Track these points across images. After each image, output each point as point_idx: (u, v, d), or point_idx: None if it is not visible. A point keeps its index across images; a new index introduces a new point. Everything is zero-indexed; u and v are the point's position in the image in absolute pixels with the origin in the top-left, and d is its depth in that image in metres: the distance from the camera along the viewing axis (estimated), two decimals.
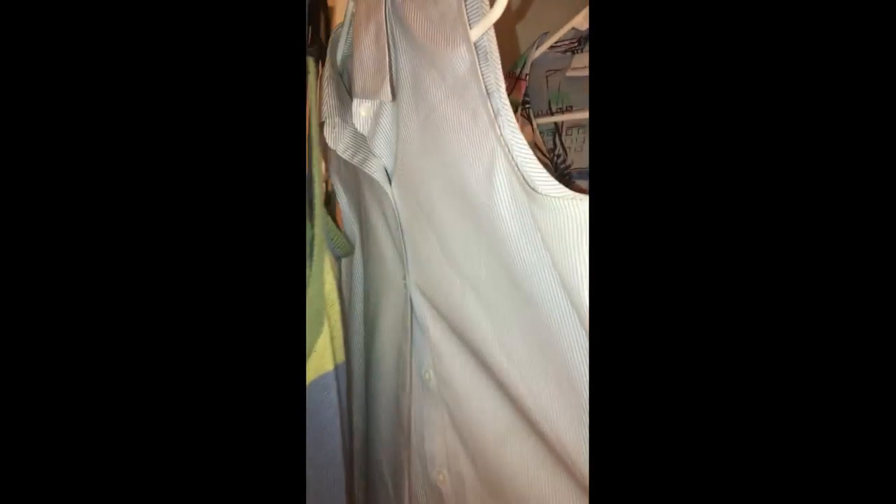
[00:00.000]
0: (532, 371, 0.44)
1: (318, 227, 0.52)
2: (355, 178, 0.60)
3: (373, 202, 0.57)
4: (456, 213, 0.45)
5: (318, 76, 0.55)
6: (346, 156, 0.52)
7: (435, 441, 0.57)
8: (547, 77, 0.87)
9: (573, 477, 0.44)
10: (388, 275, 0.58)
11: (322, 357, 0.50)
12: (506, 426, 0.48)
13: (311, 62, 0.52)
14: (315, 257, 0.51)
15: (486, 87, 0.38)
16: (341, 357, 0.53)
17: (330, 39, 0.57)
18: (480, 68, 0.38)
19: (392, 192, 0.52)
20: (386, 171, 0.52)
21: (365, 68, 0.45)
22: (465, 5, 0.38)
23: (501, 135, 0.38)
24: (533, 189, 0.37)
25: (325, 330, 0.51)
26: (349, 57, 0.56)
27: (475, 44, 0.38)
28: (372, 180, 0.52)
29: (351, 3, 0.52)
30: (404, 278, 0.55)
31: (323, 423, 0.49)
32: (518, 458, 0.48)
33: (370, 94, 0.45)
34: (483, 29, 0.38)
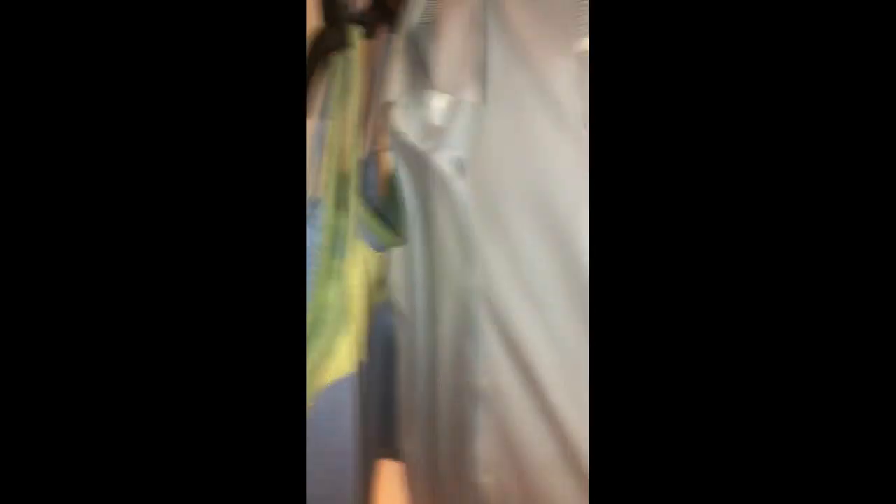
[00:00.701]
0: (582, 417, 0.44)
1: (351, 217, 0.48)
2: (421, 163, 0.55)
3: (439, 194, 0.52)
4: (535, 235, 0.43)
5: (369, 49, 0.49)
6: (416, 141, 0.47)
7: (483, 445, 0.55)
8: None
9: None
10: (449, 273, 0.54)
11: (342, 358, 0.48)
12: (550, 457, 0.48)
13: (354, 31, 0.46)
14: (347, 251, 0.47)
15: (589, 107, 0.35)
16: (364, 356, 0.50)
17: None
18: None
19: (463, 188, 0.48)
20: (460, 164, 0.48)
21: (452, 61, 0.41)
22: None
23: None
24: None
25: (350, 329, 0.48)
26: (425, 32, 0.49)
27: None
28: (440, 170, 0.48)
29: None
30: (468, 280, 0.51)
31: (335, 428, 0.48)
32: (557, 492, 0.48)
33: (456, 92, 0.42)
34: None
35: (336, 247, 0.48)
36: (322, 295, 0.48)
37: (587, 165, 0.35)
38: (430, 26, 0.44)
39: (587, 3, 0.35)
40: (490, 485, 0.54)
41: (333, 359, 0.48)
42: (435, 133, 0.47)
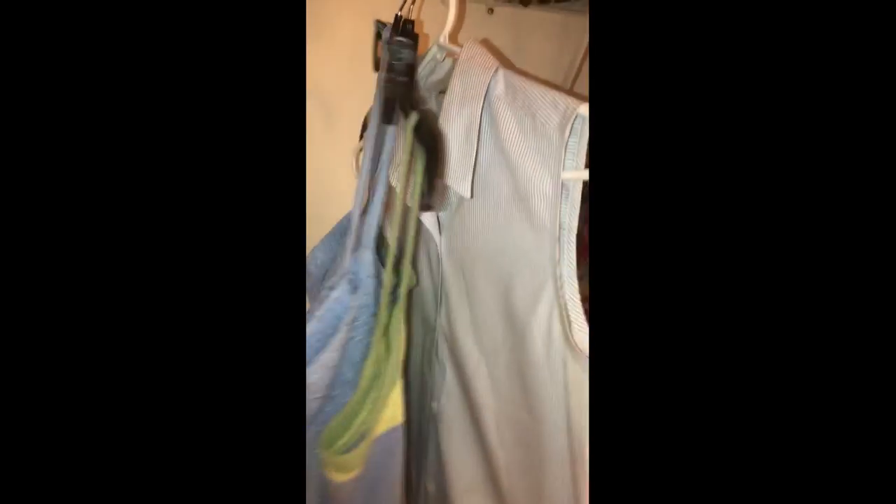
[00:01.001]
0: (515, 463, 0.53)
1: (404, 276, 0.50)
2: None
3: (423, 240, 0.60)
4: (494, 303, 0.50)
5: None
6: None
7: (429, 458, 0.66)
8: None
9: None
10: (423, 307, 0.63)
11: (396, 408, 0.51)
12: (471, 481, 0.58)
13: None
14: (396, 308, 0.50)
15: (560, 223, 0.41)
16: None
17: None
18: (561, 205, 0.40)
19: (440, 243, 0.55)
20: (438, 220, 0.55)
21: (451, 157, 0.46)
22: (566, 148, 0.38)
23: (560, 274, 0.42)
24: (573, 340, 0.41)
25: (400, 382, 0.51)
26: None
27: (563, 182, 0.39)
28: (426, 229, 0.55)
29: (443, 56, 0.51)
30: (436, 319, 0.60)
31: (386, 477, 0.51)
32: None
33: (451, 182, 0.46)
34: (576, 177, 0.39)
35: (392, 302, 0.51)
36: (380, 349, 0.51)
37: (549, 277, 0.42)
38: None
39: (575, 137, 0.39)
40: (432, 493, 0.66)
41: (387, 409, 0.51)
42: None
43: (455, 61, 0.49)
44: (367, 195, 0.58)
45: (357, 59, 0.73)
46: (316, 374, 0.44)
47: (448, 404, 0.60)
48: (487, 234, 0.48)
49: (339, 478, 0.49)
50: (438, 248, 0.55)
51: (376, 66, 0.59)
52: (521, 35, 0.87)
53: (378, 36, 0.57)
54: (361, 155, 0.58)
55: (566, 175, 0.39)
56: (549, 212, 0.41)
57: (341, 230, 0.62)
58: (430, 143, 0.41)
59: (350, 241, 0.51)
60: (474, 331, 0.54)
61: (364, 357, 0.50)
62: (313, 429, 0.49)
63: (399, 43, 0.45)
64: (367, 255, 0.49)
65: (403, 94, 0.46)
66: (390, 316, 0.51)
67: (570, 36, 0.88)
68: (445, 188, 0.47)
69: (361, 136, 0.64)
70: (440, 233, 0.55)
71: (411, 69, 0.48)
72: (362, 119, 0.66)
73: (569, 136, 0.39)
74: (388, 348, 0.50)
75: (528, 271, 0.44)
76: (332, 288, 0.49)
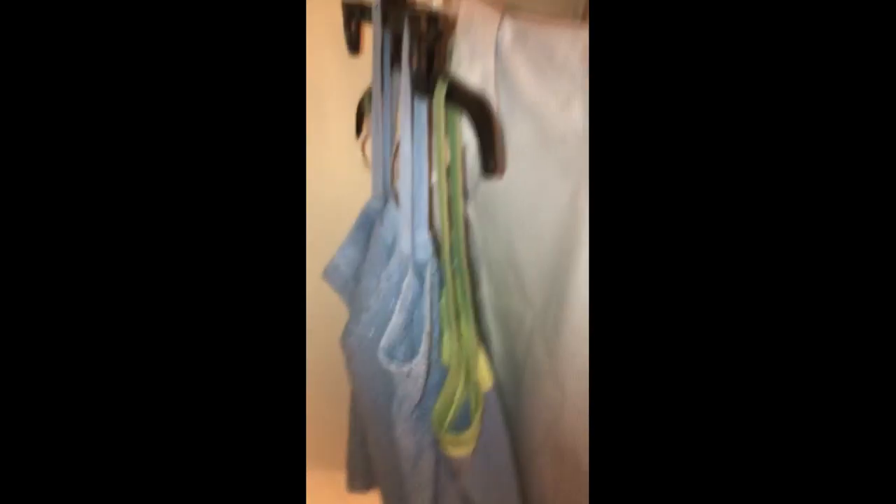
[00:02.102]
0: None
1: (458, 248, 0.50)
2: None
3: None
4: (532, 250, 0.49)
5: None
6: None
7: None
8: None
9: None
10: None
11: (484, 373, 0.52)
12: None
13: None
14: (459, 280, 0.51)
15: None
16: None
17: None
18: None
19: (469, 209, 0.54)
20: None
21: None
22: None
23: None
24: None
25: (481, 348, 0.52)
26: None
27: None
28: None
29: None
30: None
31: (495, 440, 0.53)
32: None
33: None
34: None
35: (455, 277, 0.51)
36: (453, 324, 0.51)
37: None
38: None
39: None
40: None
41: (478, 377, 0.52)
42: None
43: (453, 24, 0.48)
44: (392, 177, 0.57)
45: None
46: (421, 366, 0.45)
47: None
48: (516, 189, 0.48)
49: (460, 452, 0.50)
50: (468, 217, 0.55)
51: (353, 47, 0.57)
52: None
53: (353, 16, 0.54)
54: (369, 142, 0.57)
55: None
56: (582, 158, 0.40)
57: (367, 222, 0.61)
58: (473, 108, 0.40)
59: (394, 227, 0.50)
60: (519, 289, 0.54)
61: (442, 334, 0.51)
62: (419, 413, 0.49)
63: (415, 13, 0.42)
64: (424, 235, 0.48)
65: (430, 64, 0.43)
66: (455, 290, 0.52)
67: None
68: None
69: (358, 128, 0.62)
70: (466, 202, 0.55)
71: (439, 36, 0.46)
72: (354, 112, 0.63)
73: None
74: (461, 321, 0.51)
75: (562, 219, 0.44)
76: (390, 278, 0.48)
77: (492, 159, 0.40)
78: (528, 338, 0.55)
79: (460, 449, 0.49)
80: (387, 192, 0.58)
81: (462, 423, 0.50)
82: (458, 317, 0.51)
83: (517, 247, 0.52)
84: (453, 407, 0.50)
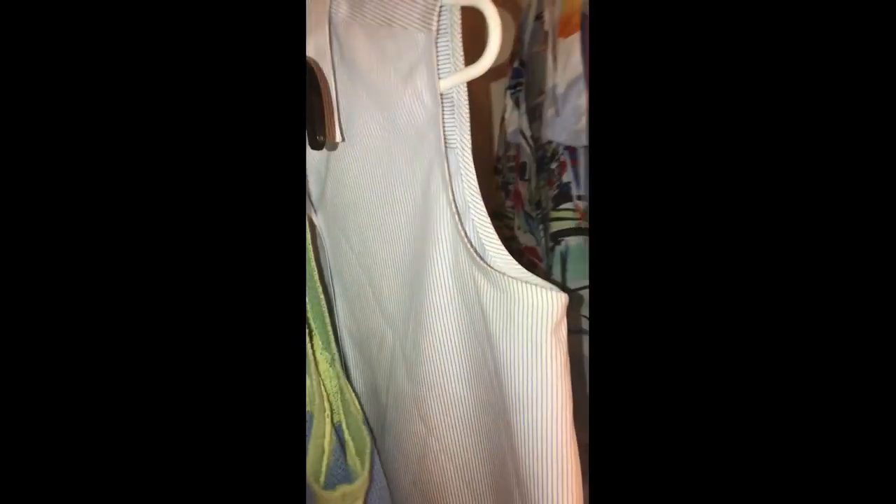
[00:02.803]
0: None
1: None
2: None
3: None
4: (388, 258, 0.44)
5: None
6: None
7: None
8: None
9: None
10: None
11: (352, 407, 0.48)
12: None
13: None
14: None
15: (445, 142, 0.35)
16: None
17: None
18: (444, 121, 0.35)
19: (318, 219, 0.50)
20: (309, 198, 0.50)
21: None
22: (437, 49, 0.33)
23: (453, 198, 0.36)
24: (483, 261, 0.35)
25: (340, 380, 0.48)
26: None
27: (441, 94, 0.34)
28: None
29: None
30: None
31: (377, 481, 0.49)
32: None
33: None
34: (456, 81, 0.33)
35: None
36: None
37: (444, 204, 0.36)
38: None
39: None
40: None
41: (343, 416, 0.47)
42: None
43: None
44: None
45: None
46: None
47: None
48: (365, 181, 0.42)
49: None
50: (318, 227, 0.50)
51: None
52: None
53: None
54: None
55: (445, 84, 0.33)
56: (433, 131, 0.35)
57: None
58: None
59: None
60: (378, 302, 0.47)
61: None
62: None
63: None
64: None
65: None
66: (309, 315, 0.48)
67: None
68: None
69: None
70: (315, 211, 0.50)
71: None
72: None
73: (437, 35, 0.33)
74: (316, 352, 0.47)
75: (422, 206, 0.38)
76: None
77: (321, 130, 0.37)
78: (390, 363, 0.48)
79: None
80: None
81: (338, 475, 0.46)
82: (312, 348, 0.47)
83: (374, 256, 0.45)
84: (325, 457, 0.45)
